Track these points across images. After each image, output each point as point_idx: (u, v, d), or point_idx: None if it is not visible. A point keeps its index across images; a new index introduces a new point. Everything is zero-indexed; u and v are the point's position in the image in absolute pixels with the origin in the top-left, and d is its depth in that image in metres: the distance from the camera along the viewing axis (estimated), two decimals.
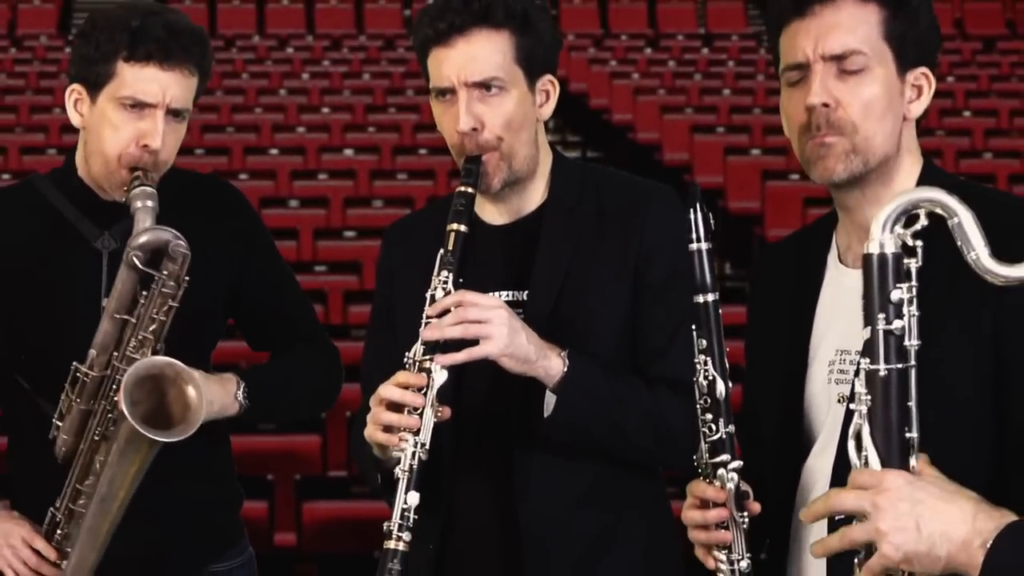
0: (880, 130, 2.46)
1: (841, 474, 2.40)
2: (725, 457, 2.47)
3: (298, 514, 6.27)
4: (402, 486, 2.77)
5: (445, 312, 2.80)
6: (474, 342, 2.80)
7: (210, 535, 3.43)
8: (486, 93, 2.90)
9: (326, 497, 6.30)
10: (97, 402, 3.17)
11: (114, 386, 3.14)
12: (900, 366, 2.03)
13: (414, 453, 2.77)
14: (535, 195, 3.01)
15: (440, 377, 2.78)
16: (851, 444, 2.04)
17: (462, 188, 2.88)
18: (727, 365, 2.48)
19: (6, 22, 16.44)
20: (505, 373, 2.84)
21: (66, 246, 3.27)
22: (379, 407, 2.81)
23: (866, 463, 2.04)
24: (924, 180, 2.49)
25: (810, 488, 2.54)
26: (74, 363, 3.17)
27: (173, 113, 3.17)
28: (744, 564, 2.46)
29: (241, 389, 3.26)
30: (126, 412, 3.04)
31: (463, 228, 2.84)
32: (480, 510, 2.98)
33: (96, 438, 3.17)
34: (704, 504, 2.49)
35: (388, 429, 2.81)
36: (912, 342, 2.04)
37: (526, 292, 2.96)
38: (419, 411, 2.78)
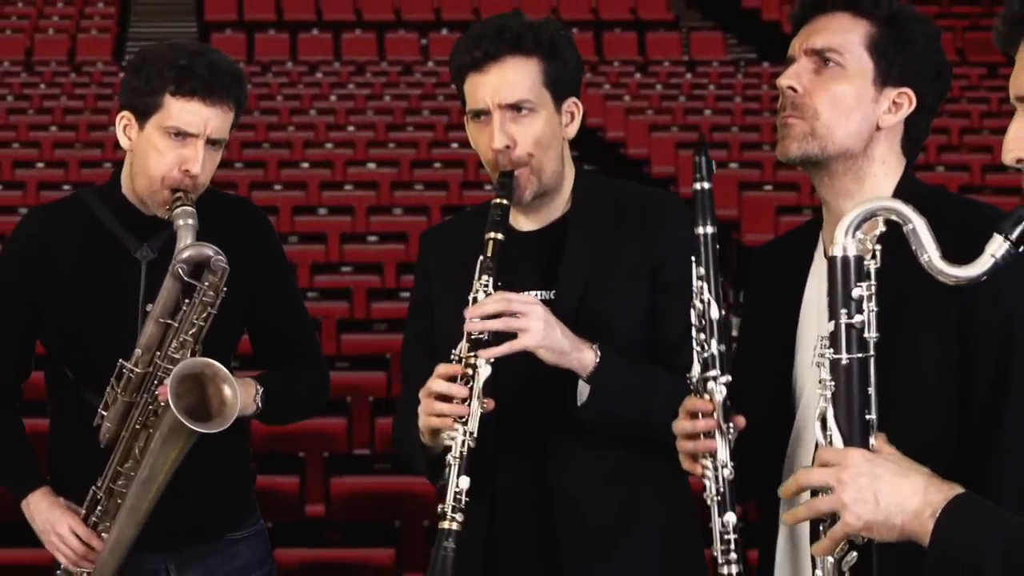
0: (843, 124, 2.45)
1: None
2: (714, 372, 2.44)
3: (326, 488, 6.27)
4: (454, 472, 2.73)
5: (490, 315, 2.76)
6: (513, 336, 2.77)
7: (227, 509, 3.44)
8: (518, 114, 2.88)
9: (351, 472, 6.29)
10: (140, 395, 3.20)
11: (155, 382, 3.16)
12: (860, 356, 2.03)
13: (463, 441, 2.74)
14: (560, 205, 2.99)
15: (484, 371, 2.75)
16: (816, 425, 2.05)
17: (497, 200, 2.85)
18: (721, 291, 2.47)
19: (66, 50, 16.46)
20: (537, 368, 2.82)
21: (109, 256, 3.28)
22: (429, 399, 2.79)
23: (830, 442, 2.04)
24: (901, 188, 2.48)
25: (795, 459, 2.52)
26: (120, 360, 3.19)
27: (212, 142, 3.19)
28: (727, 472, 2.41)
29: (259, 393, 3.27)
30: (172, 404, 3.06)
31: (500, 236, 2.82)
32: (519, 491, 2.95)
33: (137, 427, 3.20)
34: (694, 416, 2.45)
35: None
36: (871, 334, 2.04)
37: (554, 291, 2.94)
38: (467, 402, 2.74)
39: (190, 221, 3.13)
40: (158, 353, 3.17)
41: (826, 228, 2.56)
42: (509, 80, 2.88)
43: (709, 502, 2.43)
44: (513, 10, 3.06)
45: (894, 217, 2.02)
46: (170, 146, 3.17)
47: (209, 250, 3.13)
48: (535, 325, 2.77)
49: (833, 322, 2.04)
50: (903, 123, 2.50)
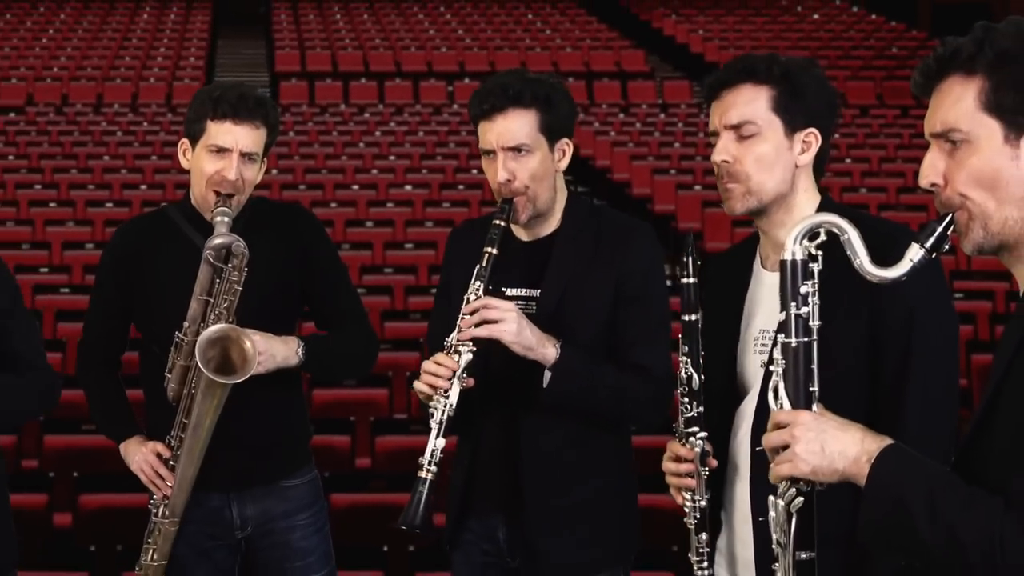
0: (770, 178, 2.48)
1: (760, 416, 2.42)
2: (695, 428, 2.53)
3: (372, 445, 6.28)
4: (433, 433, 2.84)
5: (475, 311, 2.86)
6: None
7: (282, 458, 3.43)
8: (517, 154, 2.94)
9: (392, 432, 6.31)
10: (191, 359, 3.22)
11: None
12: (806, 340, 2.03)
13: (443, 410, 2.83)
14: (552, 223, 3.05)
15: (466, 357, 2.84)
16: (771, 395, 2.05)
17: (496, 221, 2.92)
18: (701, 363, 2.53)
19: (164, 95, 16.47)
20: (515, 358, 2.89)
21: (182, 252, 3.31)
22: (423, 373, 2.88)
23: (781, 408, 2.04)
24: (822, 208, 2.50)
25: (739, 426, 2.56)
26: (175, 332, 3.22)
27: (246, 155, 3.25)
28: (703, 502, 2.54)
29: (300, 347, 3.28)
30: (200, 366, 3.10)
31: (494, 251, 2.89)
32: (497, 443, 3.02)
33: (193, 385, 3.22)
34: (678, 459, 2.55)
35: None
36: (814, 323, 2.04)
37: (539, 291, 3.00)
38: (450, 380, 2.83)
39: (225, 218, 3.20)
40: (201, 324, 3.21)
41: (762, 246, 2.61)
42: (510, 128, 2.94)
43: (689, 525, 2.56)
44: (520, 66, 3.12)
45: (834, 229, 2.02)
46: (212, 160, 3.25)
47: (231, 238, 3.17)
48: (509, 327, 2.85)
49: (784, 312, 2.04)
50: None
